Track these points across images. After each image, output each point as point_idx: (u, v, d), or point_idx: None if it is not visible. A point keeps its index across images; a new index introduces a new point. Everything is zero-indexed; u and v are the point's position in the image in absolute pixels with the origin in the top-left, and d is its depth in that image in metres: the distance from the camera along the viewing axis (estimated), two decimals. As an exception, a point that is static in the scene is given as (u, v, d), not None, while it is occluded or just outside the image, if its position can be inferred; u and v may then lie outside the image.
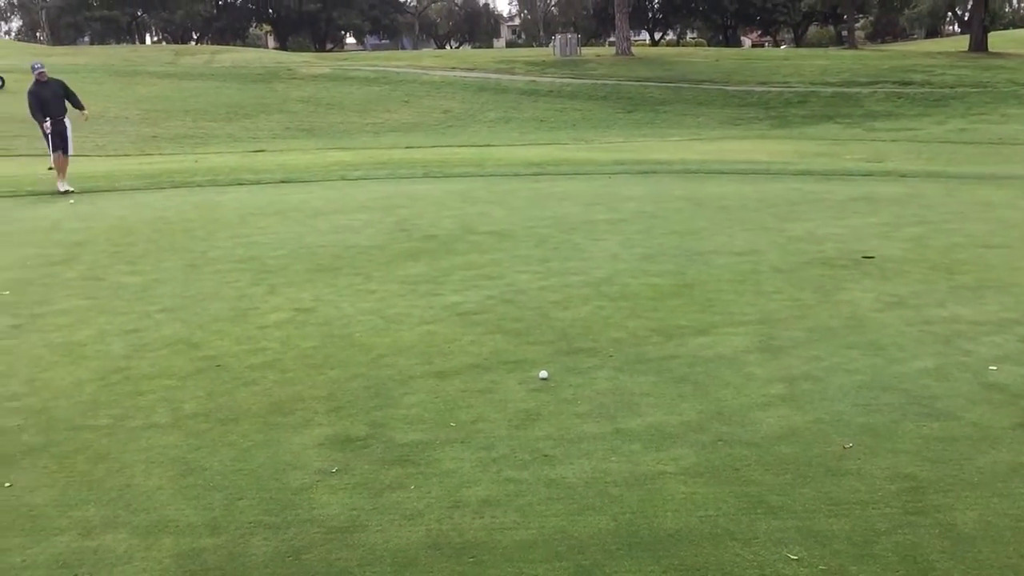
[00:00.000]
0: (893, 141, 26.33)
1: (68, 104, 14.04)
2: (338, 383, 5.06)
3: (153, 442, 4.32)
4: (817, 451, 4.06)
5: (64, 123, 13.87)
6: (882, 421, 4.36)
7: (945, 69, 41.72)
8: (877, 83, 39.15)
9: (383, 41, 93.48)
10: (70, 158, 14.03)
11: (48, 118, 13.58)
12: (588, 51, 54.17)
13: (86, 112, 14.23)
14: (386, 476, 3.91)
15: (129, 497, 3.78)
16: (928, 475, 3.80)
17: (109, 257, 8.71)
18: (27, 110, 13.56)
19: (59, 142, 13.73)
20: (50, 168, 13.89)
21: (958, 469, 3.86)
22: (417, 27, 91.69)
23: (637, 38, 77.75)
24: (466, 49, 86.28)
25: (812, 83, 39.90)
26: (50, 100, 13.74)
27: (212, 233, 9.84)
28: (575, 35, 54.40)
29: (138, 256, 8.74)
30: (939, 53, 50.49)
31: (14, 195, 13.86)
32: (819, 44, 79.88)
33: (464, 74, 41.72)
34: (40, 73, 13.67)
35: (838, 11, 69.97)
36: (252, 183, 14.77)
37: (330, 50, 79.70)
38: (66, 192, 13.47)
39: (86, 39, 77.95)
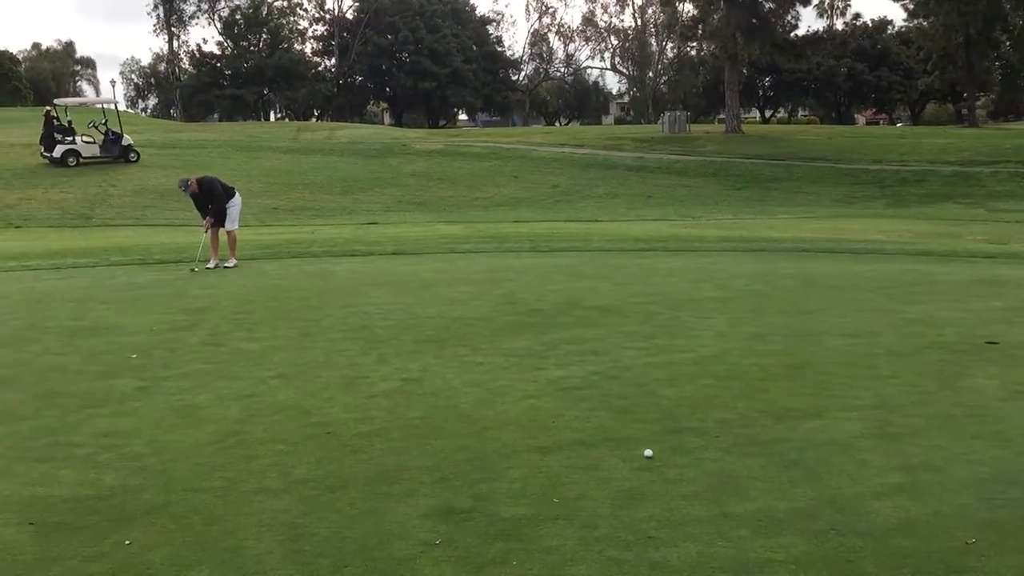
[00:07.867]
0: (1018, 222, 25.32)
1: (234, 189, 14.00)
2: (443, 454, 5.11)
3: (264, 506, 4.43)
4: (937, 546, 3.87)
5: (223, 209, 13.57)
6: (1008, 517, 4.14)
7: (1074, 148, 40.08)
8: (1000, 162, 37.81)
9: (494, 118, 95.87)
10: (229, 232, 13.67)
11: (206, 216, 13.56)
12: (697, 128, 54.18)
13: (206, 223, 13.55)
14: (489, 550, 3.91)
15: (240, 560, 3.88)
16: (1060, 577, 3.58)
17: (229, 324, 9.07)
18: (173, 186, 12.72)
19: (218, 219, 13.56)
20: (206, 231, 13.62)
21: (1094, 572, 3.62)
22: (527, 104, 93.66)
23: (747, 116, 77.51)
24: (575, 126, 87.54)
25: (930, 162, 38.82)
26: (200, 208, 13.79)
27: (325, 302, 10.15)
28: (684, 112, 54.61)
29: (256, 323, 9.07)
30: (1067, 131, 48.62)
31: (143, 263, 14.61)
32: (937, 122, 77.93)
33: (572, 150, 42.21)
34: (184, 188, 13.68)
35: (957, 89, 68.39)
36: (364, 254, 15.21)
37: (443, 126, 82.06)
38: (215, 267, 13.30)
39: (215, 116, 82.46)
